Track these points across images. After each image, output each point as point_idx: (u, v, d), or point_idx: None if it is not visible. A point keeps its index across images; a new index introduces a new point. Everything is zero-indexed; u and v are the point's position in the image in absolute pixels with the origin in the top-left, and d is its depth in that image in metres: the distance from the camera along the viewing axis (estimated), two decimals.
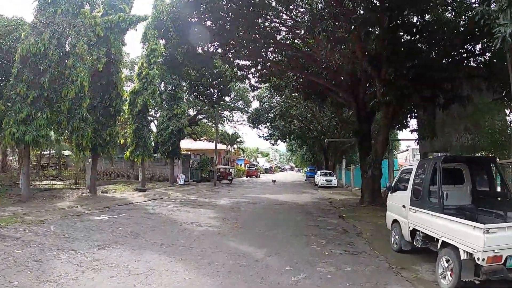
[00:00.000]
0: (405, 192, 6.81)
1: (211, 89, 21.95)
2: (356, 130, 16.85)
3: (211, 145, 43.50)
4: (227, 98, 38.00)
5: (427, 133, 14.22)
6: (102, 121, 15.31)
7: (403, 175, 7.62)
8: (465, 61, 13.14)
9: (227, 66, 19.44)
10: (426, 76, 11.69)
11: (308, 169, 49.51)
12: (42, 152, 23.18)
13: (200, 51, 16.39)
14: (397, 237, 7.15)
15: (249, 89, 27.42)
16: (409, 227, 6.35)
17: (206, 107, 37.71)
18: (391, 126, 14.98)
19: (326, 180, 29.18)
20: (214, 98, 22.79)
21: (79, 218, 9.61)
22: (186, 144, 47.30)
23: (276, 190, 24.67)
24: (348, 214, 12.35)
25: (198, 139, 43.89)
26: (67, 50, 13.54)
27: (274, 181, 36.39)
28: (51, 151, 25.19)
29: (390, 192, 7.88)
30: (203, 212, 12.05)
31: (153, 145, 22.74)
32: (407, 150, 55.53)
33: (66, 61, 13.02)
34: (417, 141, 14.84)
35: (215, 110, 33.58)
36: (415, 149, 40.06)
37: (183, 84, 24.43)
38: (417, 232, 6.05)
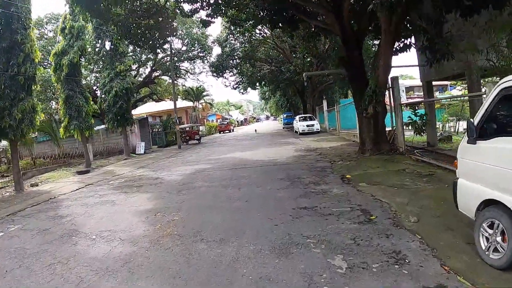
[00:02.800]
0: None
1: (147, 31, 16.61)
2: (343, 58, 12.47)
3: (178, 104, 38.93)
4: (178, 45, 32.65)
5: (442, 52, 9.96)
6: (9, 95, 10.77)
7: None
8: None
9: None
10: None
11: (285, 115, 45.63)
12: None
13: None
14: (499, 239, 3.25)
15: (201, 25, 22.03)
16: None
17: (162, 61, 32.20)
18: (394, 42, 10.65)
19: (307, 126, 25.41)
20: (155, 42, 17.50)
21: None
22: (148, 107, 42.24)
23: (250, 145, 20.56)
24: (352, 172, 8.43)
25: (160, 100, 38.78)
26: None
27: (256, 130, 37.07)
28: None
29: (469, 139, 3.83)
30: (134, 201, 7.81)
31: (94, 113, 19.29)
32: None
33: None
34: (428, 64, 10.54)
35: (171, 63, 28.17)
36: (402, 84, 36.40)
37: (112, 28, 18.94)
38: None
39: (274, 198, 6.62)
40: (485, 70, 9.06)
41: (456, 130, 15.75)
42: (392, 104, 11.05)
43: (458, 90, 24.03)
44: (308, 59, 28.22)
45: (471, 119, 3.83)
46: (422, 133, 10.09)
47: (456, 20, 9.36)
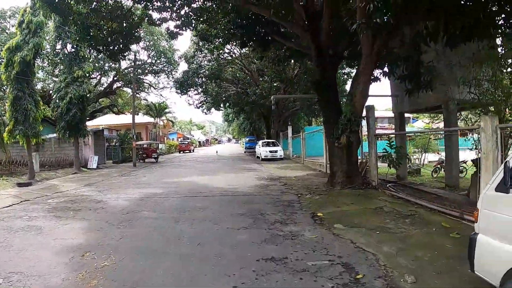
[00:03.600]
0: None
1: (109, 35, 15.09)
2: (316, 81, 11.75)
3: (138, 119, 36.84)
4: (144, 56, 31.08)
5: (423, 82, 9.49)
6: None
7: None
8: None
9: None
10: None
11: (247, 139, 44.73)
12: None
13: None
14: None
15: (169, 38, 20.89)
16: None
17: (125, 72, 30.36)
18: (374, 69, 10.07)
19: (270, 152, 24.50)
20: (115, 48, 15.98)
21: None
22: (107, 119, 39.59)
23: (209, 168, 19.10)
24: (324, 209, 7.32)
25: (120, 113, 36.48)
26: None
27: (217, 152, 37.65)
28: None
29: (500, 187, 2.85)
30: (65, 230, 6.14)
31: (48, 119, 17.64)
32: None
33: None
34: (407, 94, 9.94)
35: (134, 74, 26.48)
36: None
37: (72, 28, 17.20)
38: None
39: (233, 242, 5.26)
40: (464, 103, 8.65)
41: (422, 163, 15.50)
42: (367, 135, 10.32)
43: (424, 122, 24.48)
44: (276, 83, 27.78)
45: (508, 161, 2.85)
46: (397, 167, 9.35)
47: (440, 50, 8.98)
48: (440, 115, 13.94)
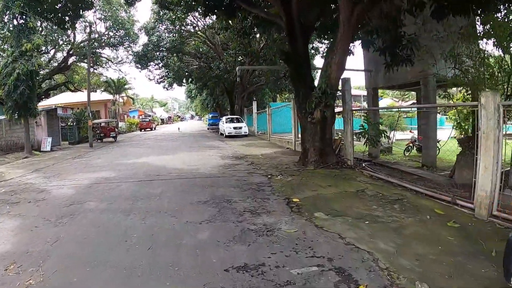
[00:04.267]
0: None
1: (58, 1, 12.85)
2: (287, 52, 10.62)
3: (95, 96, 33.90)
4: (101, 28, 28.20)
5: (404, 55, 8.67)
6: None
7: None
8: None
9: None
10: None
11: (210, 115, 43.15)
12: None
13: None
14: None
15: (125, 2, 18.51)
16: None
17: (81, 45, 27.17)
18: (352, 39, 9.08)
19: (235, 128, 23.35)
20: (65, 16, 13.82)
21: None
22: (63, 98, 36.12)
23: (170, 147, 17.61)
24: (299, 194, 6.38)
25: (77, 90, 33.31)
26: None
27: (179, 129, 37.82)
28: None
29: None
30: None
31: None
32: None
33: None
34: (386, 68, 9.11)
35: (89, 46, 23.66)
36: None
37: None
38: None
39: (193, 242, 4.12)
40: (447, 80, 8.00)
41: (392, 141, 15.18)
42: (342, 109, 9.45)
43: (394, 100, 24.40)
44: (240, 58, 26.29)
45: None
46: (375, 145, 8.61)
47: (423, 23, 8.15)
48: (411, 92, 13.48)
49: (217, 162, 11.11)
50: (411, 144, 13.28)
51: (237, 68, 19.27)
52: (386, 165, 9.36)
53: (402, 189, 6.52)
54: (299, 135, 14.44)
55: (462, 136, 7.25)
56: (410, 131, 15.93)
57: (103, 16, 26.87)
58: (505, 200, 4.78)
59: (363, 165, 8.93)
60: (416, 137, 13.26)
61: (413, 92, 23.16)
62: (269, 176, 8.36)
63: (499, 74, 6.52)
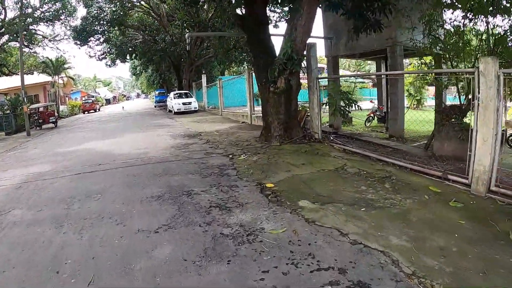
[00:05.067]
0: None
1: None
2: (243, 15, 9.36)
3: (32, 79, 29.84)
4: (35, 1, 24.10)
5: (371, 21, 7.93)
6: None
7: None
8: None
9: None
10: None
11: (157, 92, 40.41)
12: None
13: None
14: None
15: None
16: None
17: (12, 23, 22.91)
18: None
19: (184, 104, 21.75)
20: None
21: None
22: None
23: (114, 129, 15.64)
24: (272, 177, 5.43)
25: (12, 73, 28.80)
26: None
27: (123, 108, 37.18)
28: None
29: None
30: None
31: None
32: None
33: None
34: (354, 32, 8.35)
35: (20, 21, 19.88)
36: None
37: None
38: None
39: (150, 265, 2.96)
40: (413, 48, 7.50)
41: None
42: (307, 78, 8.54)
43: (350, 71, 24.15)
44: (188, 29, 24.14)
45: None
46: (346, 116, 7.89)
47: None
48: (367, 62, 13.06)
49: (168, 143, 9.75)
50: (372, 115, 13.00)
51: (186, 35, 17.41)
52: (354, 137, 8.78)
53: (384, 164, 5.87)
54: (255, 108, 13.50)
55: (444, 106, 6.82)
56: (371, 101, 15.71)
57: None
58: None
59: (331, 138, 8.24)
60: (377, 107, 12.98)
61: (369, 62, 23.10)
62: (230, 156, 7.29)
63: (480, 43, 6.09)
